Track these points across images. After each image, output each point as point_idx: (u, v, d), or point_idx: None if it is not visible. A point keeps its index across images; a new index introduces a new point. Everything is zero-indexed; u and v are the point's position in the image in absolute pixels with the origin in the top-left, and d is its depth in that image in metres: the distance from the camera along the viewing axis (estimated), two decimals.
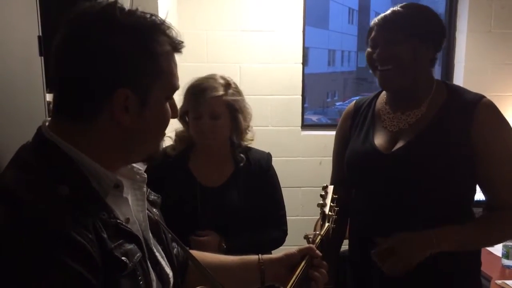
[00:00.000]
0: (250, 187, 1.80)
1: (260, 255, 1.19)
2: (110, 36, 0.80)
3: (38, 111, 1.22)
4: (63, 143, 0.81)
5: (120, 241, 0.81)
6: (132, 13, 0.84)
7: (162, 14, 2.43)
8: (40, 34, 1.18)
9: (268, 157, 1.89)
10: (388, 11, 1.47)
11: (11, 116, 1.07)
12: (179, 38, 0.89)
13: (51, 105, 1.51)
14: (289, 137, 3.14)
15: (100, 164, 0.83)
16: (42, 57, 1.20)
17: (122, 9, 0.83)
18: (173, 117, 0.93)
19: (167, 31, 0.87)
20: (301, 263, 1.11)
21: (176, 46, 0.88)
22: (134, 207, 0.94)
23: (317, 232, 1.21)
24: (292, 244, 2.09)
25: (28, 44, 1.16)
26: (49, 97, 1.37)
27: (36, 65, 1.20)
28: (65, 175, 0.79)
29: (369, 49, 1.50)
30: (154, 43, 0.83)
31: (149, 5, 2.27)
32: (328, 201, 1.32)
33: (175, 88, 0.90)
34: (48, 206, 0.74)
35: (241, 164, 1.82)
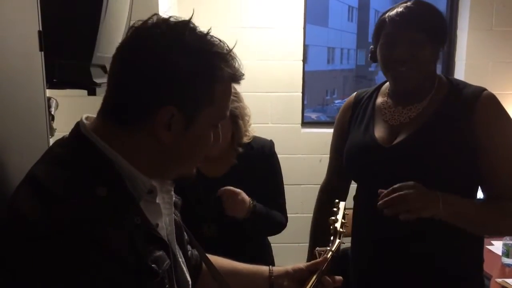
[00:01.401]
0: (252, 175, 1.81)
1: (270, 266, 1.20)
2: (171, 52, 0.79)
3: (38, 107, 1.21)
4: (101, 143, 0.81)
5: (151, 247, 0.80)
6: (201, 35, 0.84)
7: (162, 11, 2.42)
8: (41, 29, 1.17)
9: (271, 144, 1.90)
10: (401, 8, 1.42)
11: (11, 112, 1.05)
12: (241, 70, 0.88)
13: (50, 101, 1.51)
14: (289, 135, 3.14)
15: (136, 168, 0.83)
16: (42, 52, 1.19)
17: (192, 29, 0.83)
18: (214, 144, 0.91)
19: (231, 62, 0.86)
20: (311, 278, 1.11)
21: (236, 77, 0.88)
22: (162, 210, 0.92)
23: (328, 248, 1.21)
24: (292, 241, 2.09)
25: (28, 39, 1.14)
26: (49, 93, 1.36)
27: (36, 61, 1.18)
28: (102, 175, 0.78)
29: (383, 46, 1.46)
30: (214, 70, 0.83)
31: (149, 2, 2.26)
32: (340, 217, 1.31)
33: (224, 117, 0.89)
34: (86, 207, 0.73)
35: (243, 153, 1.82)
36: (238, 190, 1.70)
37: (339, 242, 1.25)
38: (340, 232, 1.27)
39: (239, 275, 1.20)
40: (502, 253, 2.30)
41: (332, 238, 1.26)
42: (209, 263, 1.10)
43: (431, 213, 1.31)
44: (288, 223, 1.92)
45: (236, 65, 0.87)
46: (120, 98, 0.82)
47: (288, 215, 1.92)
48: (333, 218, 1.31)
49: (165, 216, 0.93)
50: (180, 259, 0.96)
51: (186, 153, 0.86)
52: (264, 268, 1.20)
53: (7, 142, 0.96)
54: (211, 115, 0.85)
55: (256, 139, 1.89)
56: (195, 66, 0.80)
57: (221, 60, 0.84)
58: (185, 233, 1.06)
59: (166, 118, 0.80)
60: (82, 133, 0.82)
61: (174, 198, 1.05)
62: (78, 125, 0.84)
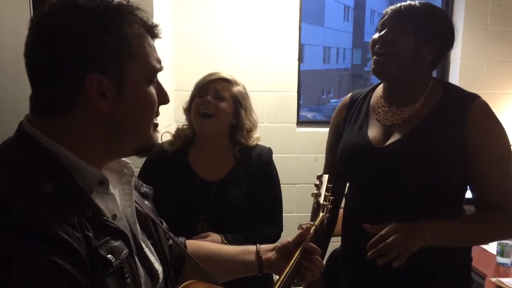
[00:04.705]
0: (250, 181, 1.81)
1: (258, 244, 1.22)
2: (70, 22, 0.78)
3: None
4: (44, 138, 0.79)
5: (106, 238, 0.79)
6: None
7: (157, 9, 2.41)
8: None
9: (269, 152, 1.90)
10: (406, 2, 1.47)
11: (5, 109, 1.05)
12: (151, 21, 0.86)
13: None
14: (285, 134, 3.13)
15: (84, 160, 0.82)
16: None
17: None
18: (162, 102, 0.90)
19: (135, 12, 0.84)
20: (295, 252, 1.11)
21: (150, 28, 0.86)
22: (122, 202, 0.92)
23: (312, 222, 1.20)
24: None
25: (19, 36, 1.14)
26: None
27: None
28: (48, 171, 0.77)
29: (375, 34, 1.50)
30: (120, 24, 0.81)
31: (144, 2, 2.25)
32: (323, 190, 1.31)
33: (154, 69, 0.86)
34: (31, 203, 0.71)
35: (241, 158, 1.81)
36: (207, 236, 1.69)
37: (322, 215, 1.25)
38: (324, 206, 1.27)
39: (228, 254, 1.22)
40: (497, 252, 2.30)
41: (315, 212, 1.26)
42: (187, 254, 1.11)
43: (420, 246, 1.34)
44: (283, 222, 1.92)
45: (144, 15, 0.85)
46: (42, 86, 0.81)
47: (283, 214, 1.92)
48: (315, 192, 1.31)
49: (126, 207, 0.92)
50: (147, 249, 0.95)
51: (133, 117, 0.84)
52: (252, 246, 1.22)
53: (1, 139, 0.95)
54: (138, 69, 0.83)
55: (254, 145, 1.89)
56: (97, 26, 0.79)
57: (123, 13, 0.82)
58: (159, 226, 1.05)
59: (95, 86, 0.79)
60: (25, 130, 0.81)
61: (144, 188, 1.05)
62: (22, 124, 0.83)
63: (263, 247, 1.21)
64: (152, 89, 0.87)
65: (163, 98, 0.90)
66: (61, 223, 0.71)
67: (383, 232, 1.34)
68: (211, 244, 1.27)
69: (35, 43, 0.80)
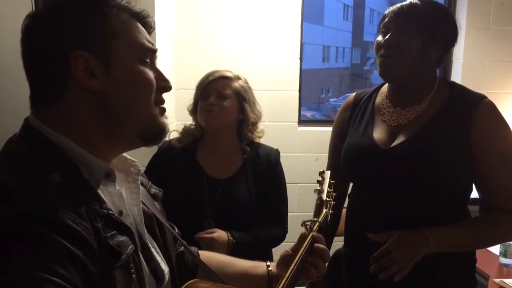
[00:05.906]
0: (258, 181, 1.83)
1: (267, 261, 1.21)
2: (48, 9, 0.81)
3: None
4: (49, 131, 0.80)
5: (113, 232, 0.79)
6: None
7: (158, 8, 2.40)
8: None
9: (277, 153, 1.93)
10: (407, 2, 1.45)
11: (8, 108, 1.04)
12: (136, 7, 0.88)
13: None
14: (286, 133, 3.12)
15: (91, 152, 0.82)
16: None
17: None
18: (163, 87, 0.89)
19: None
20: (299, 251, 1.09)
21: (132, 11, 0.87)
22: (129, 200, 0.92)
23: (315, 219, 1.19)
24: (289, 240, 2.07)
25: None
26: None
27: None
28: (55, 163, 0.77)
29: (379, 37, 1.48)
30: (98, 4, 0.83)
31: None
32: (325, 186, 1.30)
33: (143, 46, 0.86)
34: (39, 193, 0.71)
35: (249, 157, 1.82)
36: (213, 232, 1.69)
37: (326, 211, 1.23)
38: (327, 202, 1.26)
39: (241, 266, 1.22)
40: (500, 253, 2.29)
41: (318, 208, 1.24)
42: (202, 264, 1.11)
43: (423, 254, 1.35)
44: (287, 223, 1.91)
45: (128, 3, 0.87)
46: (35, 77, 0.83)
47: None
48: (318, 188, 1.29)
49: (133, 206, 0.92)
50: (153, 249, 0.95)
51: (127, 96, 0.84)
52: (262, 262, 1.22)
53: (4, 138, 0.95)
54: (125, 47, 0.84)
55: (262, 147, 1.91)
56: (74, 7, 0.81)
57: None
58: (168, 230, 1.04)
59: (81, 65, 0.79)
60: (30, 125, 0.82)
61: (154, 190, 1.05)
62: (28, 119, 0.84)
63: (271, 263, 1.21)
64: (146, 69, 0.86)
65: (164, 83, 0.90)
66: (69, 211, 0.71)
67: (385, 246, 1.35)
68: (223, 255, 1.26)
69: (22, 38, 0.82)
